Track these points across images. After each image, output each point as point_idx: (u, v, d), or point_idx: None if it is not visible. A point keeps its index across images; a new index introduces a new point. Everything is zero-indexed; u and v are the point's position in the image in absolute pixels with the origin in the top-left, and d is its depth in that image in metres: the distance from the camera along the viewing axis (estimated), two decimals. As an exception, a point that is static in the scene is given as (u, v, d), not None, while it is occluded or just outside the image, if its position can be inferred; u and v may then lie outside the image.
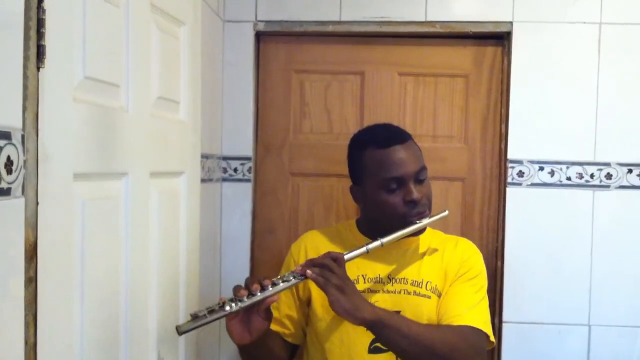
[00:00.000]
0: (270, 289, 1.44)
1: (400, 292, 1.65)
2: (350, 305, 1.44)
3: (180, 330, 1.39)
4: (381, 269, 1.66)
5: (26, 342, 0.99)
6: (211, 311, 1.39)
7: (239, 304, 1.41)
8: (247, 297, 1.42)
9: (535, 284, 2.26)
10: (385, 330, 1.48)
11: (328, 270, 1.46)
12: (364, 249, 1.55)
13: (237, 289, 1.45)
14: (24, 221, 0.98)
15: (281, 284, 1.46)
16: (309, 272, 1.45)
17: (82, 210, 1.15)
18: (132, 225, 1.36)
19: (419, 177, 1.62)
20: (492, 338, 1.62)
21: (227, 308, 1.40)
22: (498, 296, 2.29)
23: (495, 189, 2.33)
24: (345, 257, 1.52)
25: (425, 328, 1.56)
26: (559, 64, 2.23)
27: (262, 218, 2.39)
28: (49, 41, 1.03)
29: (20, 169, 0.97)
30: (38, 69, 1.01)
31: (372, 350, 1.62)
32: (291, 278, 1.47)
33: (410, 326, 1.52)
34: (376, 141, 1.64)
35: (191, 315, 1.40)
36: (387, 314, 1.52)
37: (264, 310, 1.48)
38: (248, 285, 1.46)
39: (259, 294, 1.43)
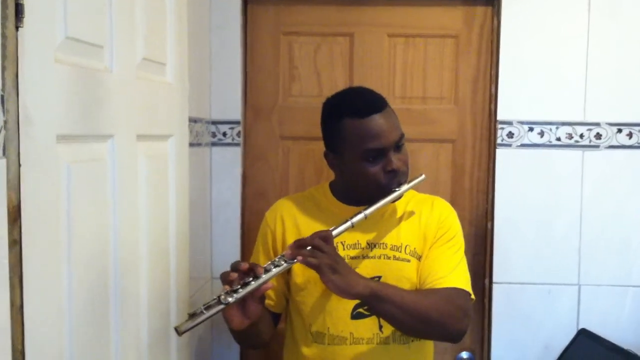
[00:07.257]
0: (264, 276, 1.43)
1: (380, 258, 1.64)
2: (343, 283, 1.45)
3: (180, 331, 1.38)
4: (360, 235, 1.65)
5: (12, 304, 0.99)
6: (208, 307, 1.38)
7: (235, 295, 1.39)
8: (242, 287, 1.40)
9: (525, 245, 2.27)
10: (379, 302, 1.49)
11: (318, 250, 1.46)
12: (349, 224, 1.54)
13: (226, 274, 1.44)
14: (5, 183, 0.97)
15: (273, 270, 1.45)
16: (299, 258, 1.45)
17: (67, 172, 1.14)
18: (120, 188, 1.35)
19: (398, 144, 1.60)
20: (473, 295, 1.63)
21: (224, 302, 1.38)
22: (488, 257, 2.30)
23: (485, 150, 2.33)
24: (333, 233, 1.52)
25: (415, 296, 1.57)
26: (549, 23, 2.22)
27: (253, 182, 2.39)
28: (27, 0, 1.01)
29: (1, 130, 0.95)
30: (17, 28, 0.99)
31: (355, 315, 1.63)
32: (282, 262, 1.46)
33: (403, 296, 1.52)
34: (354, 110, 1.58)
35: (189, 314, 1.39)
36: (380, 286, 1.53)
37: (258, 297, 1.47)
38: (238, 267, 1.43)
39: (252, 282, 1.42)
